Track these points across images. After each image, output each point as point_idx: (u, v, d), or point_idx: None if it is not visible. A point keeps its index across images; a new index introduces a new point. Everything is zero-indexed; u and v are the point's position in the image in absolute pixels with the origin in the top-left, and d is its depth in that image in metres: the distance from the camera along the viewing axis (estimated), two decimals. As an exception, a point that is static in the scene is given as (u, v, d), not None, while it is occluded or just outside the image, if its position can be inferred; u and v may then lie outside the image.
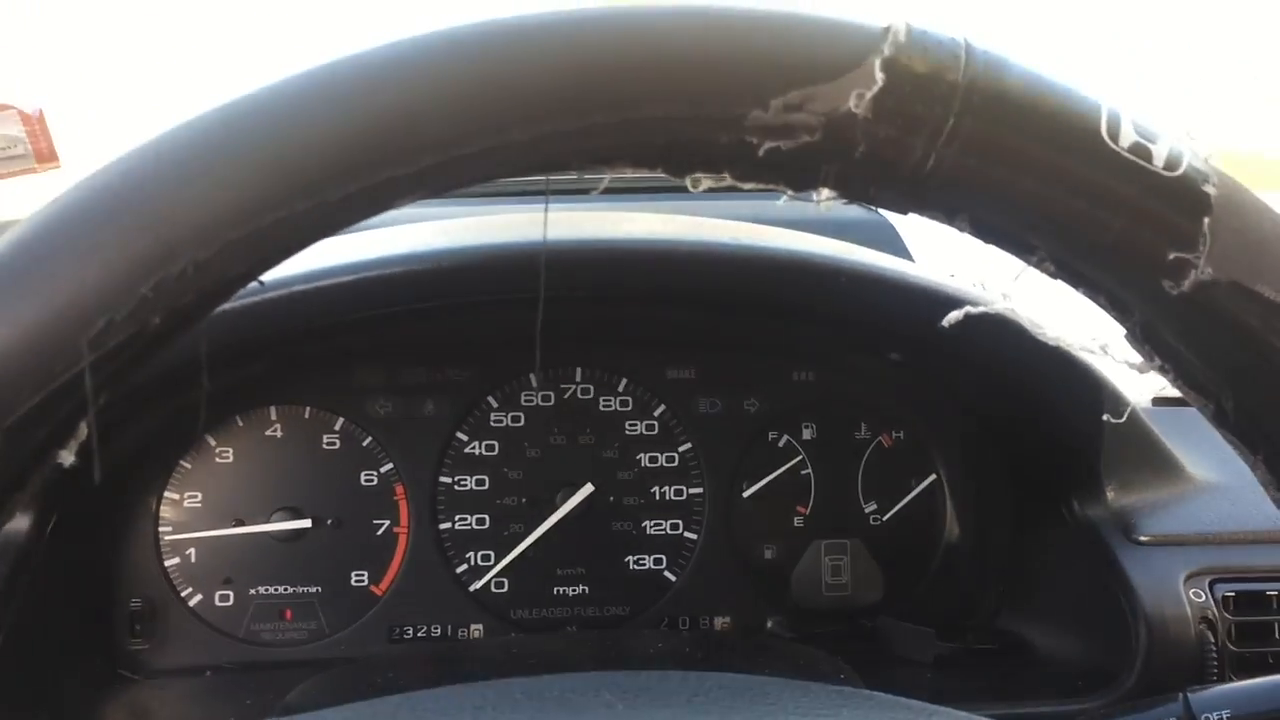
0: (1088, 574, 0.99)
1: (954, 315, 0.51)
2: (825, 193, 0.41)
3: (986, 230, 0.42)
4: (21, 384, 0.34)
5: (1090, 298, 0.44)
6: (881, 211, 1.37)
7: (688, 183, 0.41)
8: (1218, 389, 0.43)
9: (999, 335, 0.89)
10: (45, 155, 1.23)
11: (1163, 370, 0.44)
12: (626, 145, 0.38)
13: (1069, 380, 0.92)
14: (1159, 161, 0.37)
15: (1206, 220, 0.38)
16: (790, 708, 0.48)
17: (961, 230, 0.43)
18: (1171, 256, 0.38)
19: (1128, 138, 0.37)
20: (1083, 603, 1.01)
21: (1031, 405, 0.98)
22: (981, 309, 0.51)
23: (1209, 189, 0.38)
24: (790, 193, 0.42)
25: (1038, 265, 0.43)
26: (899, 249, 1.37)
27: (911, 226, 1.32)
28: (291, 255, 0.37)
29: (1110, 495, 0.98)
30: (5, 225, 1.26)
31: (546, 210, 0.49)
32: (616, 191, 1.40)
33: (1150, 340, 0.43)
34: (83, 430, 0.37)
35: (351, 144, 0.36)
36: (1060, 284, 0.44)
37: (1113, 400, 0.91)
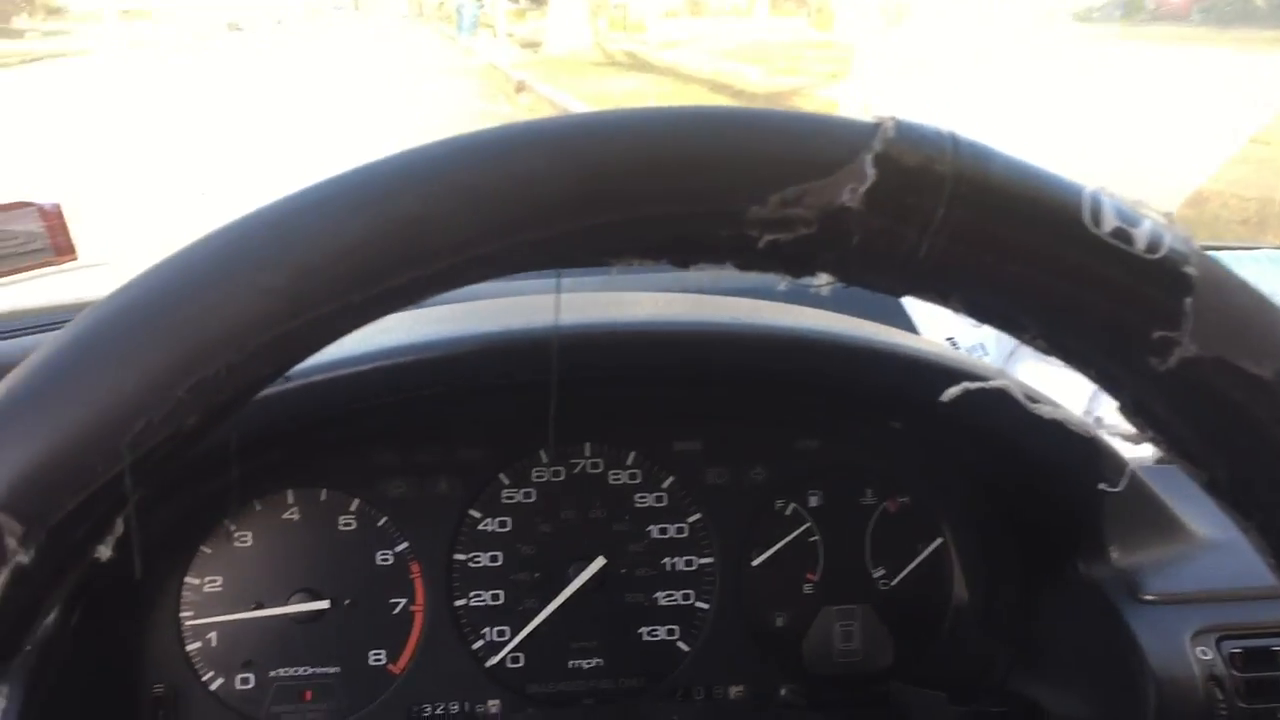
0: (1096, 634, 1.00)
1: (952, 391, 0.53)
2: (824, 277, 0.44)
3: (979, 310, 0.44)
4: (65, 486, 0.36)
5: (1081, 372, 0.45)
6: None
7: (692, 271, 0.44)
8: (1210, 459, 0.44)
9: (997, 408, 0.92)
10: (63, 249, 1.26)
11: (1155, 441, 0.46)
12: (632, 242, 0.41)
13: (1067, 447, 0.94)
14: (1140, 245, 0.39)
15: (1188, 300, 0.39)
16: None
17: (955, 310, 0.45)
18: (1156, 335, 0.40)
19: (1109, 223, 0.39)
20: (1092, 663, 1.02)
21: (1031, 471, 1.00)
22: (978, 385, 0.53)
23: (1189, 269, 0.40)
24: (790, 278, 0.44)
25: (1029, 342, 0.45)
26: (902, 318, 1.40)
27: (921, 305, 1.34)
28: (314, 352, 0.40)
29: (1114, 555, 1.00)
30: (26, 313, 1.29)
31: (559, 296, 0.51)
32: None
33: (1142, 413, 0.45)
34: (119, 526, 0.39)
35: (374, 249, 0.38)
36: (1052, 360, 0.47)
37: (1111, 466, 0.93)
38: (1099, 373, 0.45)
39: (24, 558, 0.35)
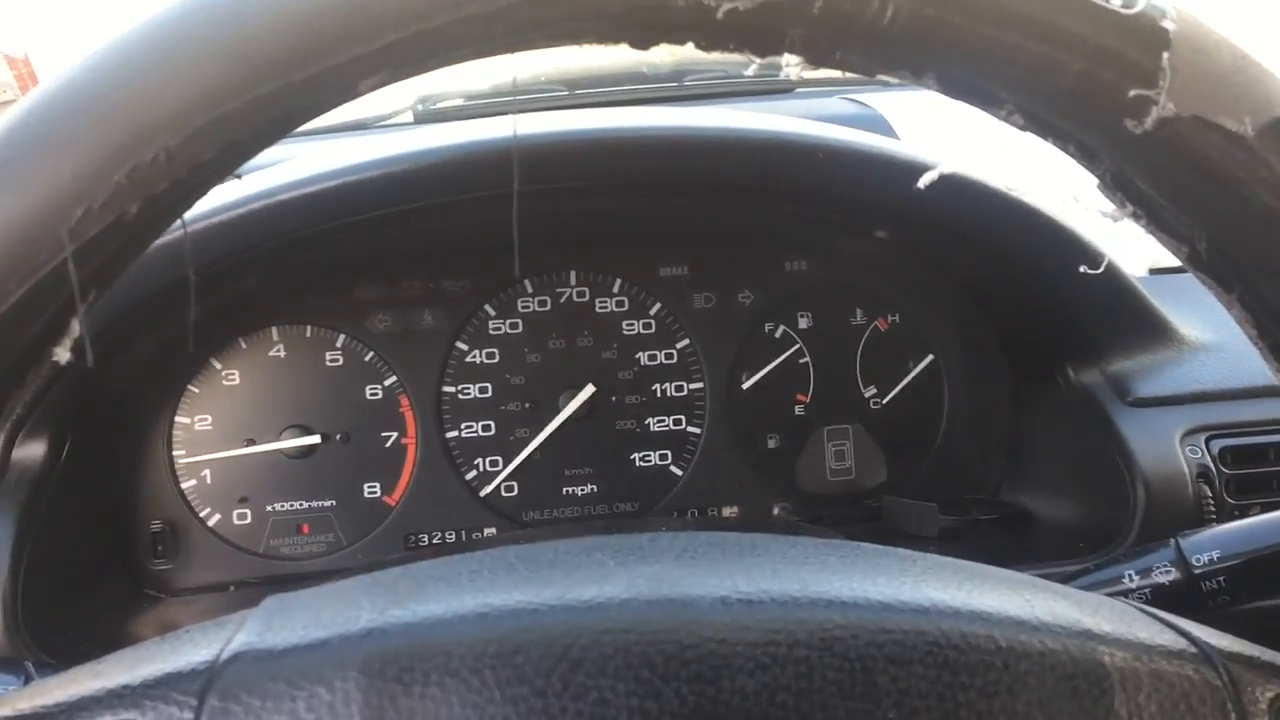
0: (1085, 439, 1.00)
1: (928, 176, 0.51)
2: (790, 59, 0.41)
3: (954, 85, 0.41)
4: (8, 274, 0.35)
5: (1060, 148, 0.43)
6: (873, 105, 1.37)
7: (652, 57, 0.41)
8: (1190, 230, 0.43)
9: (978, 201, 0.90)
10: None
11: (1135, 216, 0.44)
12: (585, 16, 0.38)
13: (1053, 244, 0.92)
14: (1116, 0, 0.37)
15: (1165, 55, 0.37)
16: (777, 557, 0.48)
17: (930, 88, 0.43)
18: (1132, 94, 0.38)
19: None
20: (1081, 468, 1.02)
21: (1019, 276, 0.98)
22: (953, 170, 0.51)
23: (1167, 24, 0.37)
24: (757, 60, 0.42)
25: (1007, 118, 0.42)
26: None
27: (904, 119, 1.30)
28: (264, 144, 0.38)
29: (1104, 360, 0.99)
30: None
31: (515, 107, 0.49)
32: (588, 106, 1.40)
33: (1121, 187, 0.43)
34: (75, 328, 0.38)
35: (314, 22, 0.36)
36: (1030, 136, 0.45)
37: (1089, 252, 0.91)
38: (1077, 145, 0.43)
39: None
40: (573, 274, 1.13)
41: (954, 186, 0.86)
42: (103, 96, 0.35)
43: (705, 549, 0.51)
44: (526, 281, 1.12)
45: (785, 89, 1.50)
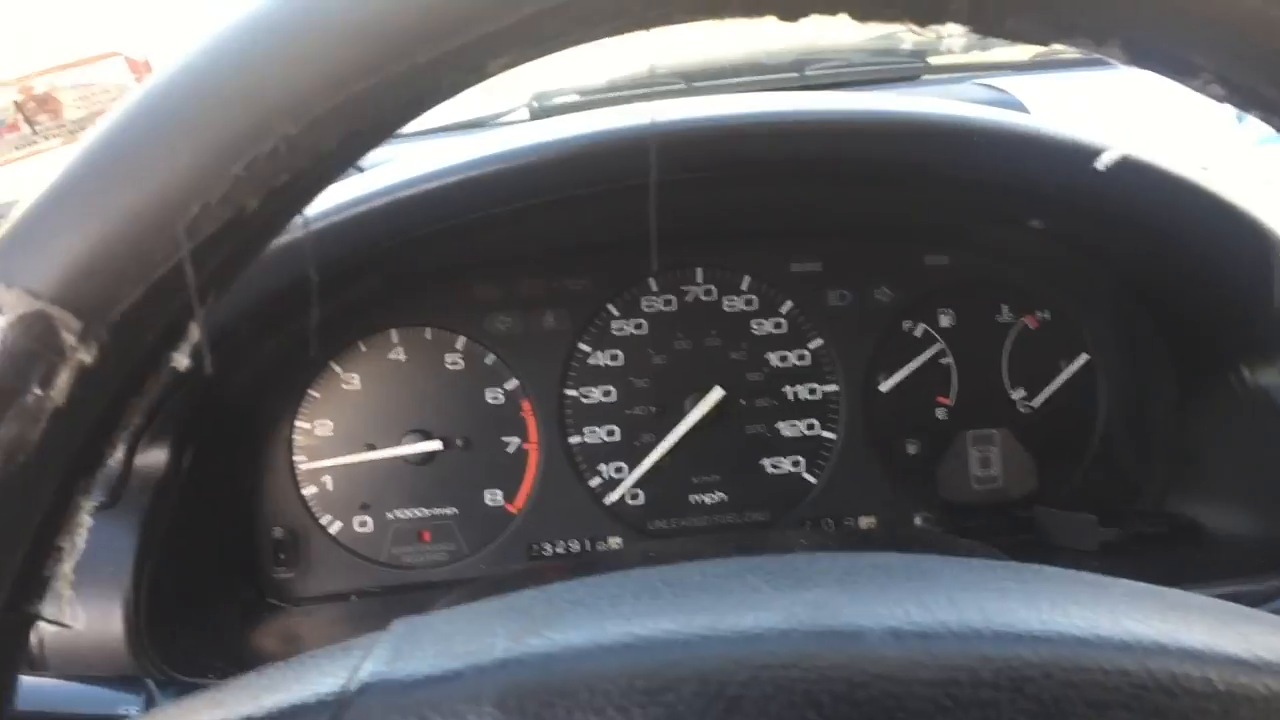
0: (1263, 445, 0.91)
1: (1109, 155, 0.45)
2: (953, 28, 0.37)
3: (1143, 53, 0.36)
4: (123, 276, 0.32)
5: (1266, 120, 0.38)
6: (1012, 93, 1.29)
7: (773, 45, 0.37)
8: None
9: (1155, 185, 0.82)
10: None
11: None
12: None
13: (1235, 234, 0.84)
14: None
15: None
16: (952, 584, 0.43)
17: (1115, 59, 0.38)
18: None
19: None
20: (1258, 476, 0.93)
21: (1192, 266, 0.90)
22: (1136, 153, 0.45)
23: None
24: (916, 29, 0.38)
25: (1203, 89, 0.37)
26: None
27: (1042, 104, 1.22)
28: (387, 133, 0.35)
29: (1285, 358, 0.91)
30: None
31: (647, 95, 0.45)
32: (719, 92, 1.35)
33: None
34: (194, 332, 0.36)
35: (439, 3, 0.33)
36: (1229, 108, 0.39)
37: (1276, 246, 0.83)
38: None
39: (86, 356, 0.32)
40: (699, 271, 1.08)
41: (1128, 169, 0.78)
42: (218, 87, 0.33)
43: (869, 572, 0.45)
44: (651, 280, 1.07)
45: (912, 75, 1.43)
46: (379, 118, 0.34)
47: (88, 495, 0.35)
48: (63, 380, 0.32)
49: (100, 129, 0.34)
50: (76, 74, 1.17)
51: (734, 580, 0.45)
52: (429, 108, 0.35)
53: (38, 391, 0.32)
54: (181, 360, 0.36)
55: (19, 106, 1.11)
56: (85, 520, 0.35)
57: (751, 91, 1.38)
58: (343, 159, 0.35)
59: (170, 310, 0.34)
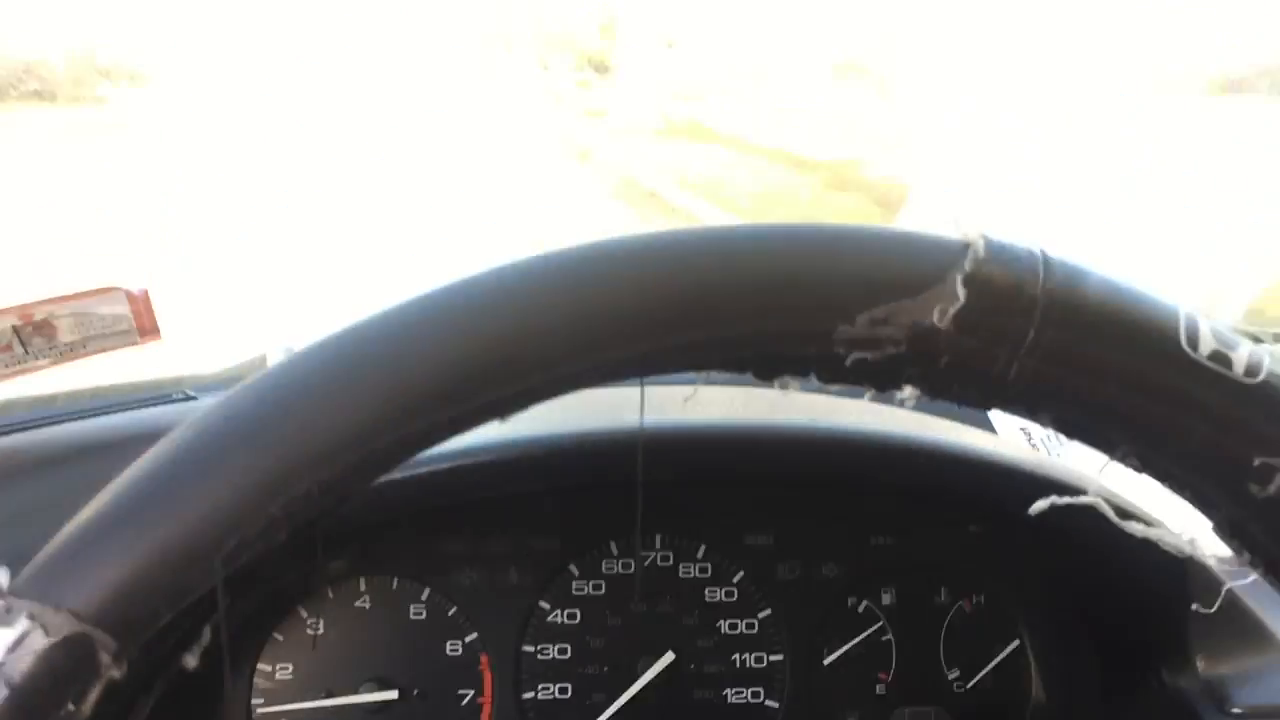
0: (1181, 748, 0.96)
1: (1039, 505, 0.52)
2: (909, 390, 0.43)
3: (1069, 427, 0.42)
4: (159, 604, 0.36)
5: (1175, 492, 0.44)
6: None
7: (775, 385, 0.43)
8: None
9: (1084, 519, 0.89)
10: (148, 330, 1.29)
11: (1253, 565, 0.45)
12: (718, 358, 0.41)
13: (1159, 565, 0.91)
14: (1239, 369, 0.38)
15: None
16: None
17: (1044, 425, 0.44)
18: (1257, 462, 0.39)
19: (1207, 345, 0.38)
20: (1178, 777, 0.98)
21: (1116, 580, 0.97)
22: (1067, 500, 0.51)
23: None
24: (875, 392, 0.44)
25: (1121, 460, 0.43)
26: (979, 414, 1.38)
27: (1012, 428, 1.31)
28: (403, 461, 0.40)
29: (1201, 665, 0.97)
30: (112, 390, 1.31)
31: (643, 396, 0.51)
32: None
33: (1238, 536, 0.43)
34: (206, 635, 0.40)
35: (463, 368, 0.38)
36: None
37: (1206, 586, 0.90)
38: (1194, 494, 0.43)
39: (116, 672, 0.35)
40: (658, 538, 1.13)
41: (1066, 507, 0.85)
42: (260, 433, 0.37)
43: None
44: (611, 543, 1.12)
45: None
46: (401, 458, 0.39)
47: None
48: (93, 695, 0.36)
49: (150, 460, 0.37)
50: (75, 305, 1.21)
51: None
52: (444, 441, 0.40)
53: (70, 708, 0.35)
54: (192, 661, 0.40)
55: (16, 331, 1.15)
56: None
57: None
58: (363, 489, 0.40)
59: (191, 621, 0.38)
